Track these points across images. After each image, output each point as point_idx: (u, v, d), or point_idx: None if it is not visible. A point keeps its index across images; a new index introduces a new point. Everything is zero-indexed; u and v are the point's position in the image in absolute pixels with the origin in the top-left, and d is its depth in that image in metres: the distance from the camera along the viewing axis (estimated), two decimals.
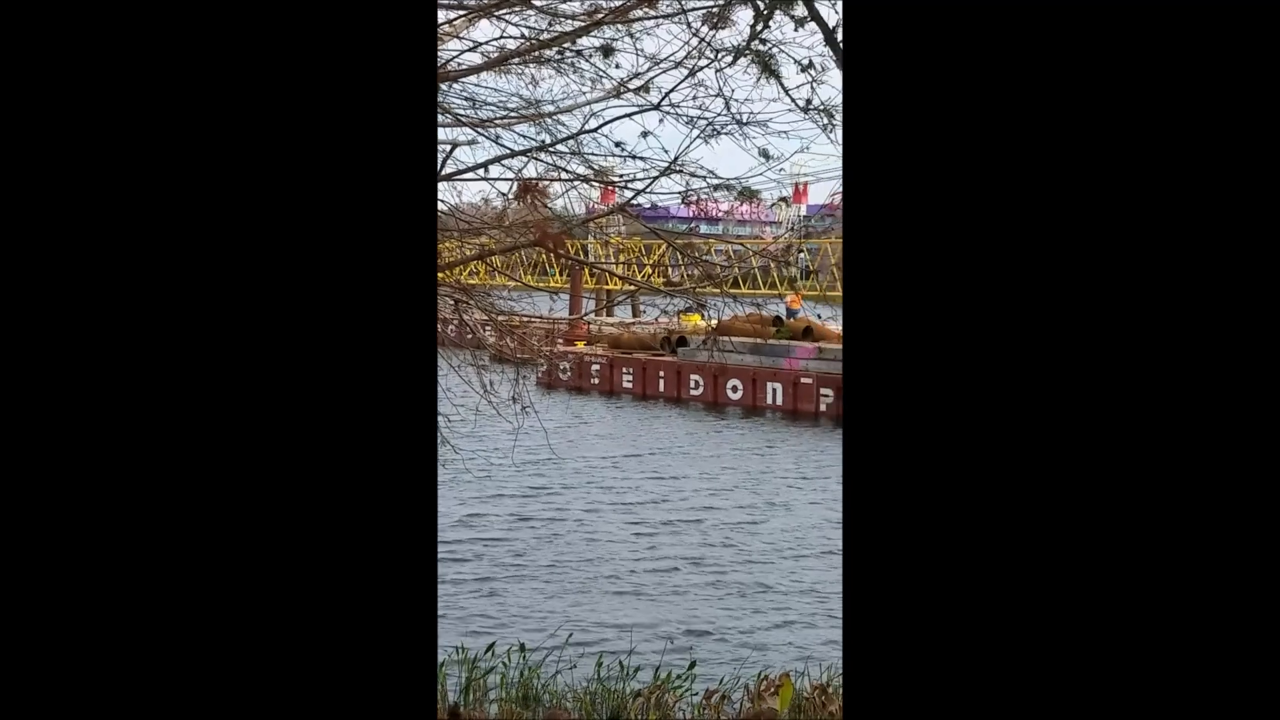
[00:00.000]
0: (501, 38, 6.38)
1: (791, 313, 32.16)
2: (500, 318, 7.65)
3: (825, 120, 5.71)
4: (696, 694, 6.83)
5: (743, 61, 5.55)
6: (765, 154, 6.31)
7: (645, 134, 6.34)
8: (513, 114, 6.66)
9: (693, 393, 31.34)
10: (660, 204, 8.25)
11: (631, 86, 6.23)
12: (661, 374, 32.07)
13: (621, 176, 6.93)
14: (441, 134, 6.20)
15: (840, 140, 6.07)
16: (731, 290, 9.08)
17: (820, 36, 4.93)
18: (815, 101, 5.68)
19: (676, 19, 5.99)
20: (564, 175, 6.80)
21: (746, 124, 6.10)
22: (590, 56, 6.32)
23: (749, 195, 6.61)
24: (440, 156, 6.06)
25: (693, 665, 7.44)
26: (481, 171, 6.40)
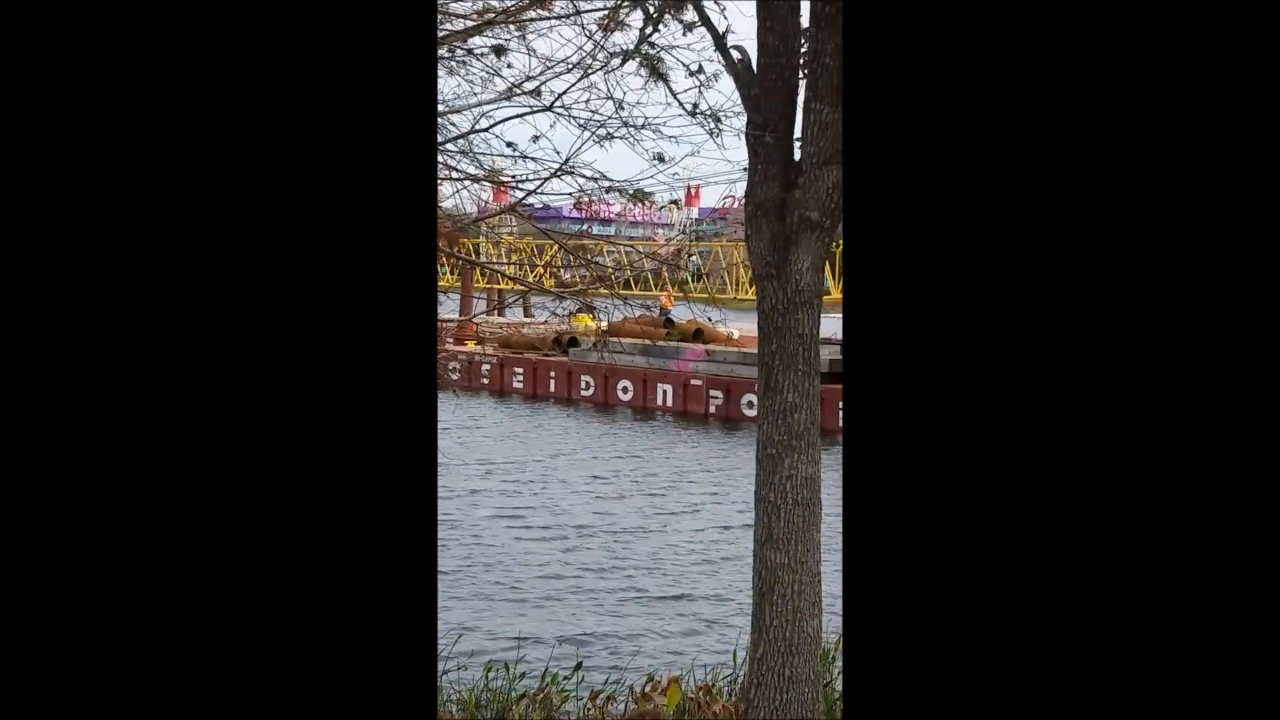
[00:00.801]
0: None
1: (664, 313, 32.29)
2: None
3: (713, 125, 5.76)
4: (583, 696, 6.84)
5: (632, 65, 5.58)
6: (660, 158, 6.35)
7: (536, 137, 6.34)
8: None
9: (583, 393, 31.32)
10: (552, 205, 8.24)
11: (524, 89, 6.22)
12: (552, 374, 32.00)
13: (513, 177, 6.91)
14: None
15: (723, 144, 6.13)
16: (622, 292, 9.10)
17: (710, 41, 4.97)
18: (703, 106, 5.73)
19: (570, 21, 5.99)
20: (454, 175, 6.76)
21: (640, 127, 6.13)
22: (483, 56, 6.29)
23: (641, 197, 6.64)
24: None
25: (579, 666, 7.44)
26: None
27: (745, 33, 4.87)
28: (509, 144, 6.53)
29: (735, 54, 4.84)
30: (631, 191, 6.44)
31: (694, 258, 42.43)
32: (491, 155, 6.76)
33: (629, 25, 5.84)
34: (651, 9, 5.47)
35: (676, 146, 7.86)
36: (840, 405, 27.09)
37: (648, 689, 6.44)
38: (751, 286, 4.79)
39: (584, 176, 6.36)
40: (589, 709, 6.58)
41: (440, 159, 6.57)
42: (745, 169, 4.81)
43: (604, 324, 8.85)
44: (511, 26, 6.06)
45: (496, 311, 34.94)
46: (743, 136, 4.82)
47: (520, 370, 32.64)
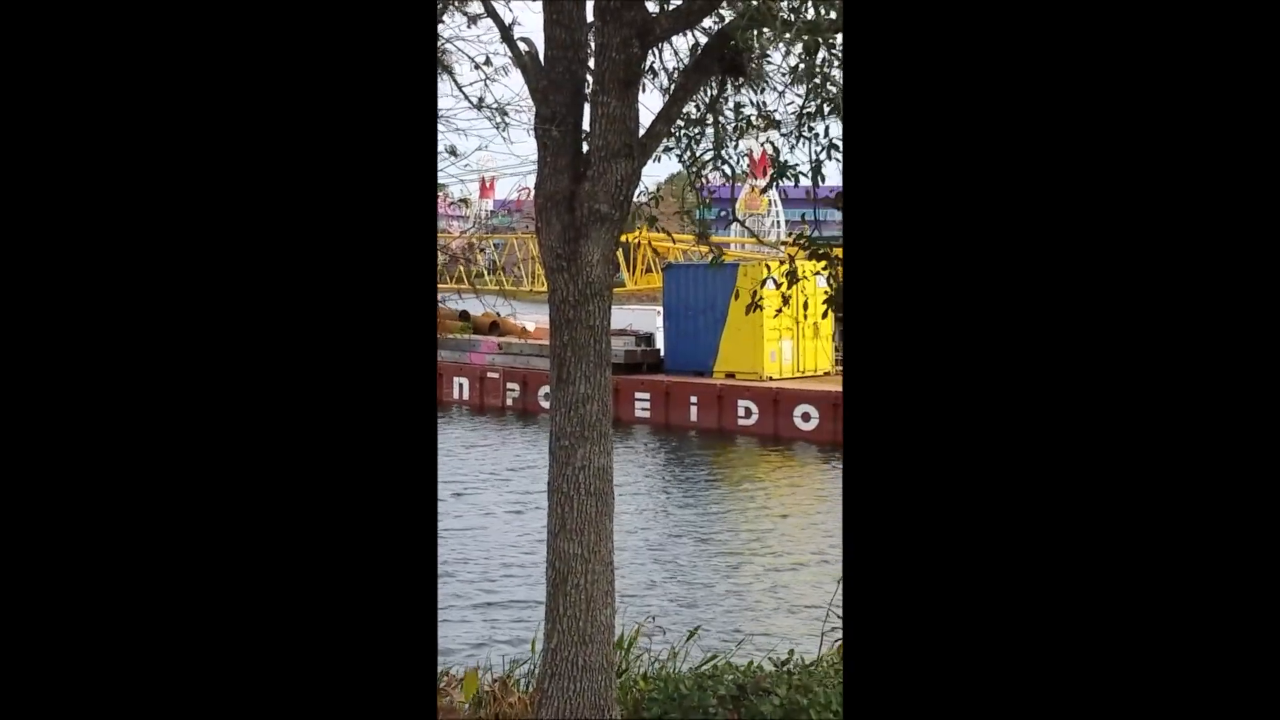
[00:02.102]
0: None
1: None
2: None
3: (499, 118, 5.76)
4: None
5: None
6: (453, 151, 6.30)
7: None
8: None
9: None
10: None
11: None
12: None
13: None
14: None
15: (510, 138, 6.12)
16: None
17: (497, 34, 4.96)
18: (490, 99, 5.72)
19: None
20: None
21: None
22: None
23: None
24: None
25: None
26: None
27: (532, 26, 4.89)
28: None
29: (522, 46, 4.84)
30: None
31: (489, 250, 42.21)
32: None
33: None
34: (438, 1, 5.43)
35: (466, 140, 7.81)
36: (635, 396, 27.45)
37: (443, 684, 6.40)
38: None
39: None
40: None
41: None
42: (535, 162, 4.82)
43: None
44: None
45: None
46: (531, 130, 4.83)
47: None
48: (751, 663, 6.02)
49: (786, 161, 4.88)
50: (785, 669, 5.45)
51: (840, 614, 7.57)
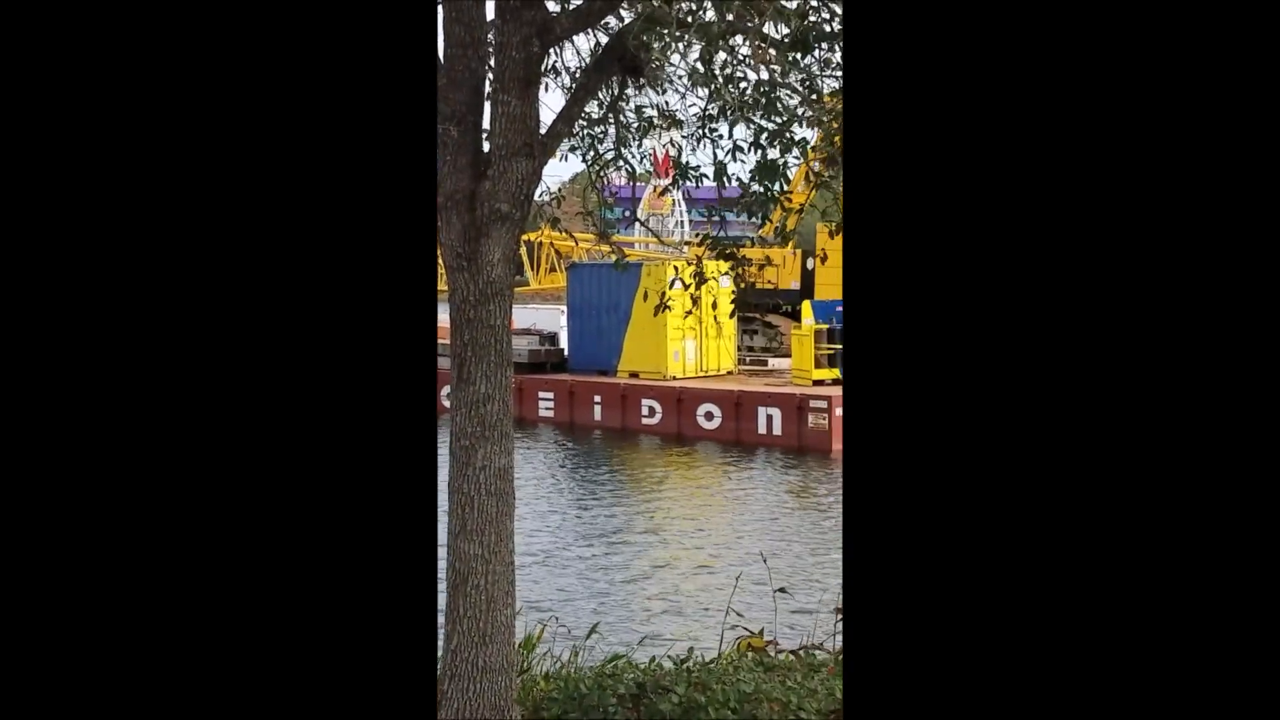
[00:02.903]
0: None
1: None
2: None
3: None
4: None
5: None
6: None
7: None
8: None
9: None
10: None
11: None
12: None
13: None
14: None
15: None
16: None
17: None
18: None
19: None
20: None
21: None
22: None
23: None
24: None
25: None
26: None
27: None
28: None
29: None
30: None
31: None
32: None
33: None
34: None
35: None
36: (539, 395, 27.39)
37: None
38: None
39: None
40: None
41: None
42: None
43: None
44: None
45: None
46: None
47: None
48: (654, 659, 6.05)
49: (688, 163, 4.91)
50: (685, 667, 5.48)
51: (739, 613, 7.64)
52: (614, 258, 6.20)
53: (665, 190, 5.49)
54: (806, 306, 27.70)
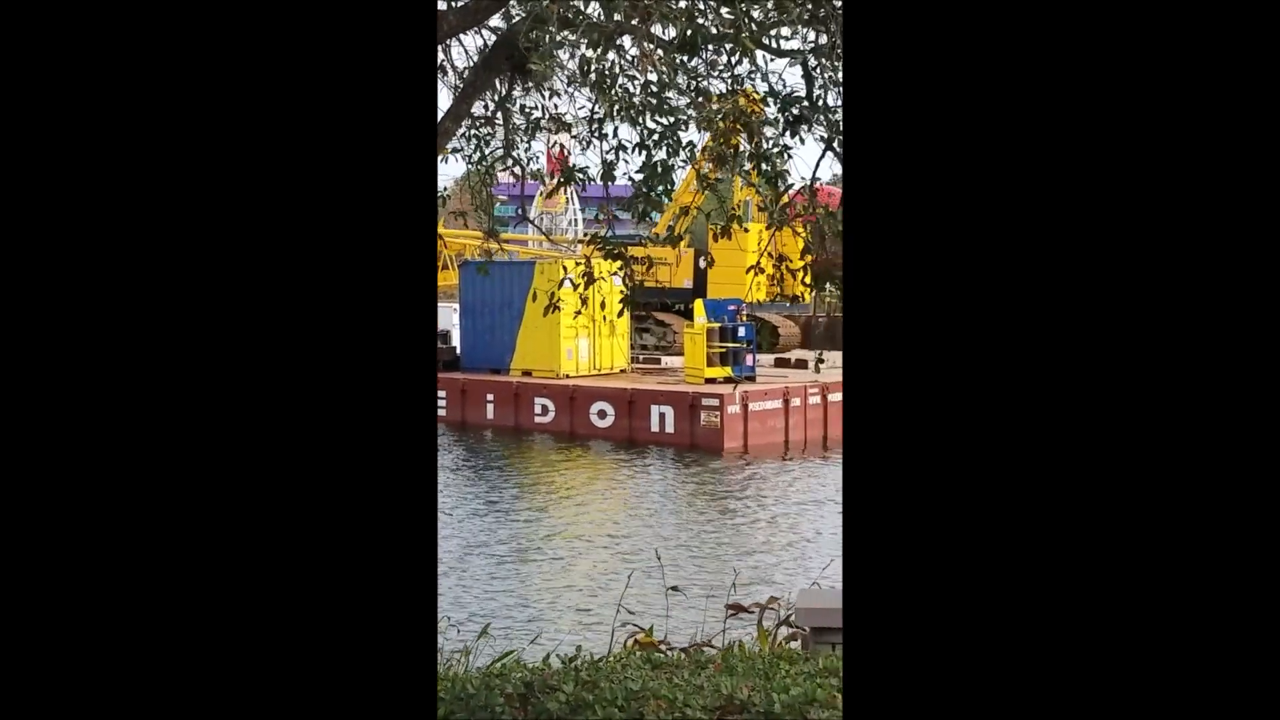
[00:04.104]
0: None
1: None
2: None
3: None
4: None
5: None
6: None
7: None
8: None
9: None
10: None
11: None
12: None
13: None
14: None
15: None
16: None
17: None
18: None
19: None
20: None
21: None
22: None
23: None
24: None
25: None
26: None
27: None
28: None
29: None
30: None
31: None
32: None
33: None
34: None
35: None
36: None
37: None
38: None
39: None
40: None
41: None
42: None
43: None
44: None
45: None
46: None
47: None
48: (548, 656, 6.05)
49: (575, 165, 4.92)
50: (573, 666, 5.49)
51: (630, 611, 7.67)
52: (500, 257, 6.19)
53: (552, 192, 5.49)
54: (699, 305, 27.89)
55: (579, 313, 5.74)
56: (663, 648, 6.52)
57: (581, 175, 4.87)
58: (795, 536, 18.04)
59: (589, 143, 5.21)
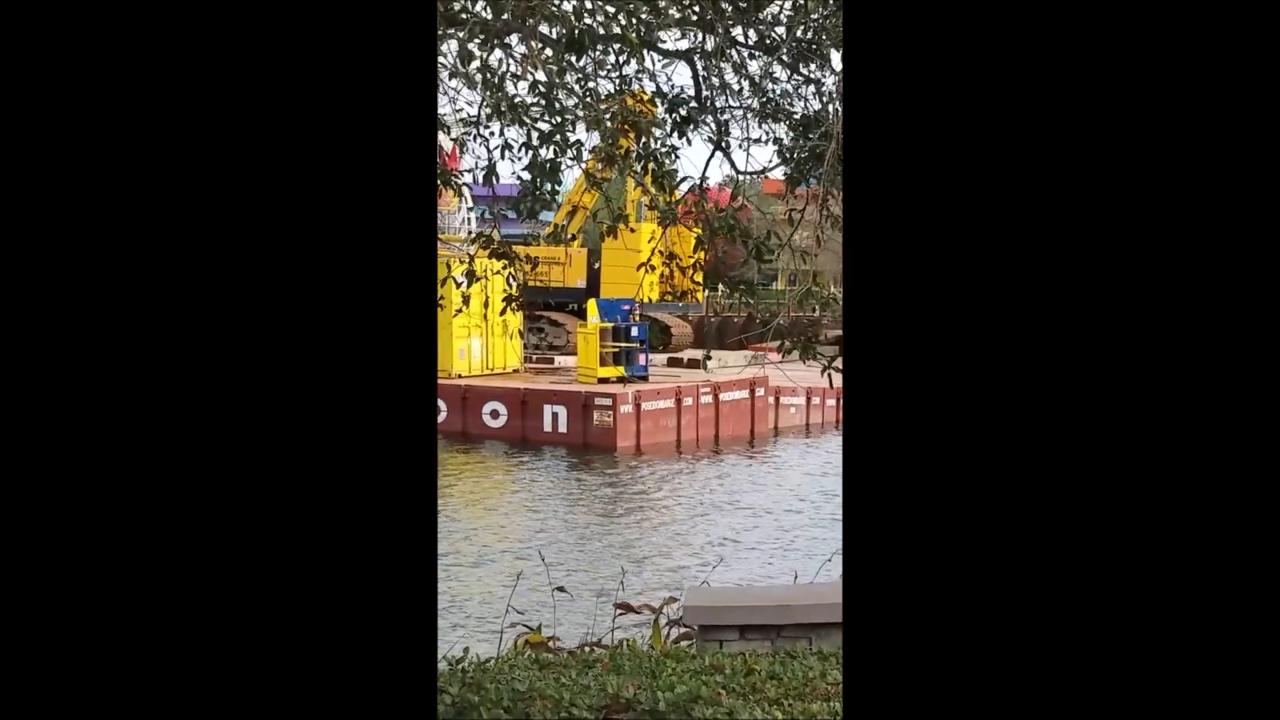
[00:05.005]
0: None
1: None
2: None
3: None
4: None
5: None
6: None
7: None
8: None
9: None
10: None
11: None
12: None
13: None
14: None
15: None
16: None
17: None
18: None
19: None
20: None
21: None
22: None
23: None
24: None
25: None
26: None
27: None
28: None
29: None
30: None
31: None
32: None
33: None
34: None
35: None
36: None
37: None
38: None
39: None
40: None
41: None
42: None
43: None
44: None
45: None
46: None
47: None
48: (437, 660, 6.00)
49: (455, 169, 4.89)
50: (460, 667, 5.46)
51: (519, 611, 7.65)
52: None
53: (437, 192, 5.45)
54: (592, 305, 27.91)
55: (460, 311, 5.70)
56: (551, 646, 6.52)
57: (457, 179, 4.84)
58: (685, 535, 18.15)
59: (464, 146, 5.18)
